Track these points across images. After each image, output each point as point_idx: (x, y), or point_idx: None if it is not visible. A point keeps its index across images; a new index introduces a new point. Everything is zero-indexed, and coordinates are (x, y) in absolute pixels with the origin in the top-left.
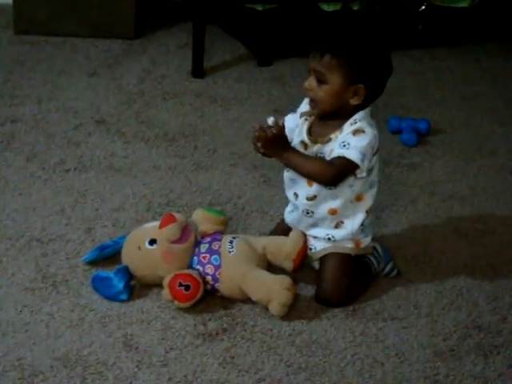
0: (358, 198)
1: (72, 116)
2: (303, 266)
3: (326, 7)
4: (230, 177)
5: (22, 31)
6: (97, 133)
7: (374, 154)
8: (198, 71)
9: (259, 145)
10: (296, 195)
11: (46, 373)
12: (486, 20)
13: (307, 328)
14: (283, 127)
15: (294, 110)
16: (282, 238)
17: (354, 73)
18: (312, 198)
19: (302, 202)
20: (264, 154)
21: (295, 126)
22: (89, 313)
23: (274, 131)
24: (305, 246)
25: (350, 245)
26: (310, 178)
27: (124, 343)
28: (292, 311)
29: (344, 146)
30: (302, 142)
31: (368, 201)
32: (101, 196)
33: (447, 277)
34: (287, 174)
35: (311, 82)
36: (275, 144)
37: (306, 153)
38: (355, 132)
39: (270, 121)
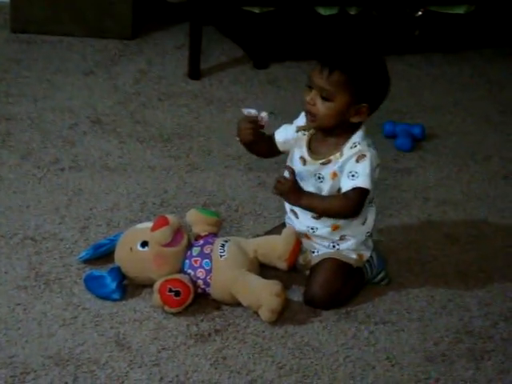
0: (361, 216)
1: (67, 115)
2: (296, 270)
3: (322, 11)
4: (224, 178)
5: (19, 30)
6: (92, 132)
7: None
8: (195, 73)
9: (277, 192)
10: (295, 213)
11: (38, 371)
12: (483, 26)
13: (299, 330)
14: (295, 175)
15: (289, 113)
16: (274, 237)
17: (360, 92)
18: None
19: (306, 218)
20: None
21: (291, 137)
22: (81, 311)
23: (290, 183)
24: (297, 242)
25: (353, 256)
26: (331, 215)
27: (116, 342)
28: (284, 313)
29: (353, 175)
30: (302, 157)
31: (370, 216)
32: (95, 195)
33: (439, 281)
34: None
35: (314, 97)
36: (292, 192)
37: (305, 169)
38: (358, 158)
39: (264, 115)
